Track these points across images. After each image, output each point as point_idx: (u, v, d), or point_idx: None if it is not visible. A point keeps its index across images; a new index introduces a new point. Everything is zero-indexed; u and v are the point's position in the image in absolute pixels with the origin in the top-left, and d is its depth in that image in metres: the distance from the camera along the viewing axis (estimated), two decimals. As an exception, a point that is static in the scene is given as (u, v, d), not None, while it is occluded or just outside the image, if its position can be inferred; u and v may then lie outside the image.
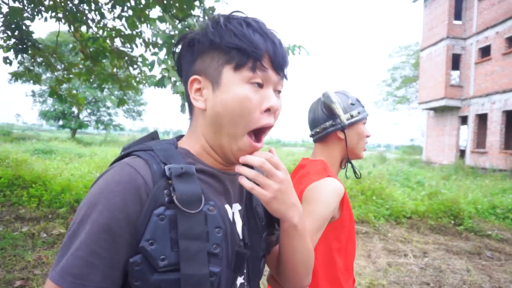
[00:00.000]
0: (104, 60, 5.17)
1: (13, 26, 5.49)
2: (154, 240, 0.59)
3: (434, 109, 18.67)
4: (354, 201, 5.98)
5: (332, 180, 1.13)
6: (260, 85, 0.67)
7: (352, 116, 1.24)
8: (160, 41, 3.64)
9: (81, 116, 25.15)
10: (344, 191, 1.14)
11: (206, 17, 0.69)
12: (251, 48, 0.65)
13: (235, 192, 0.75)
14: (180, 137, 0.78)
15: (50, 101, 24.14)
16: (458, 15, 17.40)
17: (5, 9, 5.12)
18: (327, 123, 1.24)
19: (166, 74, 3.17)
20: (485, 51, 15.80)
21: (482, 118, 15.98)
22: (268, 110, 0.68)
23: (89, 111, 25.81)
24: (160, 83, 3.07)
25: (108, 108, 26.82)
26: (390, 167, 12.26)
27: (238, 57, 0.65)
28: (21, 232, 4.27)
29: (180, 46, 0.74)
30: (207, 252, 0.62)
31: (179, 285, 0.59)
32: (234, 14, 0.70)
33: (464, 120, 17.21)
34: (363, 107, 1.28)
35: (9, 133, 22.43)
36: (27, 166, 7.18)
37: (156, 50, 3.93)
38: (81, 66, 5.74)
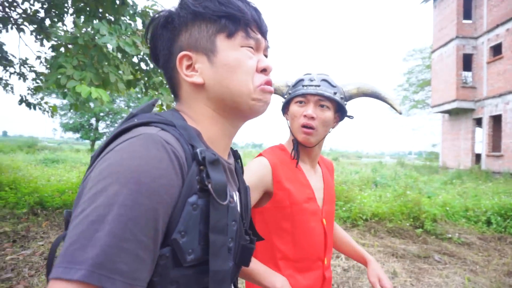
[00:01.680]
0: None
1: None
2: (186, 232, 0.52)
3: (449, 112, 17.85)
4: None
5: (260, 158, 1.22)
6: (253, 49, 0.67)
7: (284, 97, 1.30)
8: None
9: (99, 128, 26.18)
10: (271, 167, 1.18)
11: None
12: (241, 14, 0.64)
13: (232, 181, 0.73)
14: (176, 110, 0.69)
15: (70, 114, 25.31)
16: (468, 14, 16.68)
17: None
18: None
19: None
20: (496, 50, 14.99)
21: (496, 120, 15.09)
22: (264, 70, 0.68)
23: (107, 122, 26.82)
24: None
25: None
26: (387, 172, 11.83)
27: (229, 25, 0.64)
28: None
29: (152, 29, 0.69)
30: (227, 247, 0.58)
31: (197, 280, 0.55)
32: None
33: (479, 122, 16.32)
34: (304, 86, 1.21)
35: (33, 145, 23.65)
36: (12, 171, 7.58)
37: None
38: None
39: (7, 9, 5.53)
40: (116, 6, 4.18)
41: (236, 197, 0.71)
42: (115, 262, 0.43)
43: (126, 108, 25.72)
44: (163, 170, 0.50)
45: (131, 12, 4.35)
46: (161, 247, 0.51)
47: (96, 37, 3.45)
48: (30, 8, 5.44)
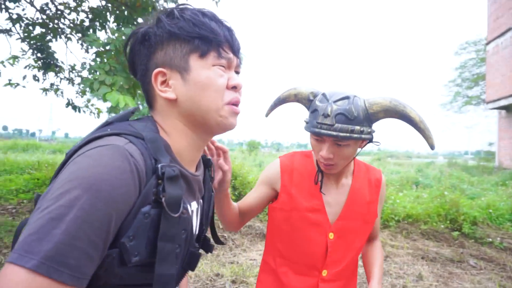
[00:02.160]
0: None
1: (39, 48, 6.50)
2: (134, 237, 0.58)
3: (506, 108, 16.46)
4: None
5: (276, 159, 1.32)
6: (224, 68, 0.72)
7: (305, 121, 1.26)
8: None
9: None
10: (280, 170, 1.26)
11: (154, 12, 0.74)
12: (213, 36, 0.69)
13: (196, 191, 0.78)
14: (151, 117, 0.75)
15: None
16: (528, 1, 15.27)
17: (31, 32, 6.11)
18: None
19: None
20: (561, 38, 13.58)
21: (561, 116, 13.67)
22: (234, 87, 0.74)
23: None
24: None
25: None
26: (433, 172, 11.21)
27: (202, 45, 0.69)
28: None
29: (130, 43, 0.74)
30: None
31: (137, 279, 0.62)
32: (182, 6, 0.73)
33: (541, 119, 14.89)
34: (318, 124, 1.10)
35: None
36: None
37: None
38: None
39: (56, 20, 6.07)
40: (147, 12, 4.44)
41: (194, 207, 0.77)
42: (65, 257, 0.49)
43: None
44: (123, 180, 0.56)
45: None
46: (110, 248, 0.57)
47: (125, 43, 3.70)
48: (77, 18, 5.93)
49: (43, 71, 6.56)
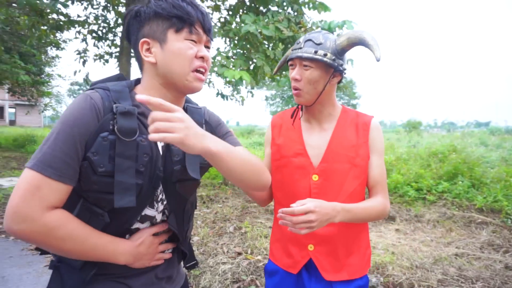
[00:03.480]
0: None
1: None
2: (97, 153, 0.82)
3: None
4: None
5: None
6: (195, 42, 0.93)
7: None
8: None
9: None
10: (271, 127, 1.40)
11: None
12: (187, 16, 0.90)
13: None
14: (139, 80, 1.00)
15: (277, 102, 28.81)
16: None
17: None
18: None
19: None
20: None
21: None
22: (201, 58, 0.94)
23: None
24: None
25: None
26: None
27: (178, 23, 0.90)
28: None
29: (128, 18, 0.96)
30: (135, 169, 0.86)
31: (109, 186, 0.83)
32: None
33: None
34: (292, 50, 1.30)
35: (251, 131, 28.24)
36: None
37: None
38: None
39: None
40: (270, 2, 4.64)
41: (159, 142, 0.95)
42: (49, 161, 0.78)
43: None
44: (83, 114, 0.83)
45: (281, 1, 4.71)
46: (83, 161, 0.82)
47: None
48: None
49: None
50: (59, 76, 14.80)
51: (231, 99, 7.77)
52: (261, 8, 4.86)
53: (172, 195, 0.98)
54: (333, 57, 1.20)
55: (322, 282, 1.24)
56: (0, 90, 17.30)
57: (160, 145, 0.95)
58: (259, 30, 3.83)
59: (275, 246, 1.37)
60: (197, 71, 0.93)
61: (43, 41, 7.44)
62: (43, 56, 13.02)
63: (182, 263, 1.13)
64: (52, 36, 7.97)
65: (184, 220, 1.03)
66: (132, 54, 4.94)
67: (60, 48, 11.51)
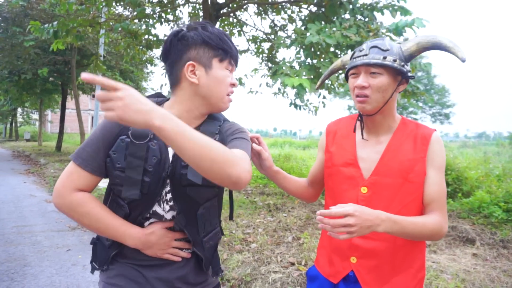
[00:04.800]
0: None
1: (269, 59, 7.92)
2: (116, 152, 1.02)
3: None
4: None
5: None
6: (229, 71, 1.11)
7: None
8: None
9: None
10: (325, 133, 1.41)
11: (191, 21, 1.23)
12: (230, 50, 1.09)
13: None
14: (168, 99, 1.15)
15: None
16: None
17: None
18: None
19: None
20: None
21: None
22: (232, 84, 1.13)
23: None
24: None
25: (415, 113, 27.04)
26: None
27: (223, 54, 1.07)
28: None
29: (171, 38, 1.08)
30: (144, 168, 1.01)
31: (123, 180, 1.01)
32: (207, 22, 1.10)
33: None
34: (353, 58, 1.24)
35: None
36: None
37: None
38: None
39: (277, 33, 7.16)
40: (334, 8, 4.58)
41: (171, 150, 1.06)
42: (80, 154, 1.02)
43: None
44: (110, 121, 1.02)
45: (352, 8, 4.61)
46: (107, 158, 1.03)
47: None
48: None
49: (271, 77, 7.81)
50: (152, 89, 16.50)
51: (304, 109, 7.78)
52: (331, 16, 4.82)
53: (181, 198, 1.06)
54: (402, 63, 1.17)
55: None
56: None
57: (171, 150, 1.05)
58: (323, 39, 3.80)
59: (320, 252, 1.38)
60: (228, 95, 1.11)
61: (139, 59, 8.40)
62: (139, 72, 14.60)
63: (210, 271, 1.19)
64: (144, 54, 8.92)
65: (198, 225, 1.09)
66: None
67: (153, 65, 12.80)
